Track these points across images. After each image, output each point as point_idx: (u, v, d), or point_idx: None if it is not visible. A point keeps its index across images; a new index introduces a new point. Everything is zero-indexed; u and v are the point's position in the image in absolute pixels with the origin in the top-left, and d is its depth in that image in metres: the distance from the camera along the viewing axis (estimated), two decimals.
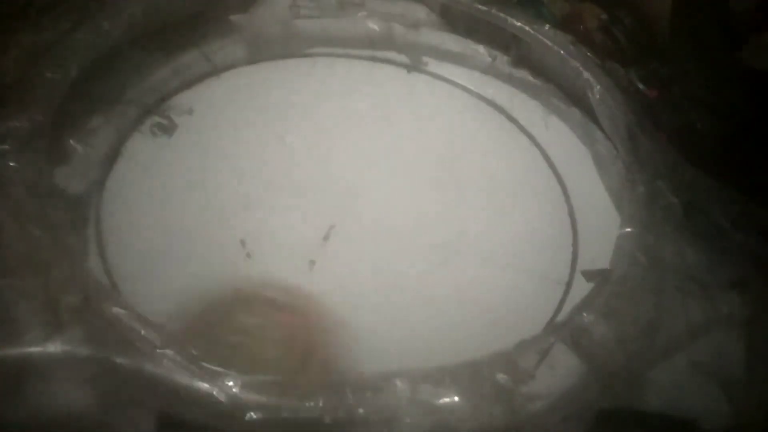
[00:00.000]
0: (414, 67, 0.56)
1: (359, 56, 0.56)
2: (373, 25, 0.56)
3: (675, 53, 0.51)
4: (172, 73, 0.49)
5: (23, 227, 0.34)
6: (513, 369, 0.32)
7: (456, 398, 0.31)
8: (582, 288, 0.42)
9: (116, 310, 0.32)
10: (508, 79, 0.56)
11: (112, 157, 0.44)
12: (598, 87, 0.49)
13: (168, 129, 0.47)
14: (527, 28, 0.53)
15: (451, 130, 0.53)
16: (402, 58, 0.56)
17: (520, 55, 0.55)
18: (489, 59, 0.56)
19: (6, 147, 0.37)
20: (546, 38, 0.52)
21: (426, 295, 0.42)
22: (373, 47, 0.56)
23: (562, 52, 0.51)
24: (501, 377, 0.32)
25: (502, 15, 0.54)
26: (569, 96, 0.53)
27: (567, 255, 0.45)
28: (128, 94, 0.47)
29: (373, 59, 0.56)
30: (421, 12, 0.58)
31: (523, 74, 0.55)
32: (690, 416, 0.34)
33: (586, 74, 0.50)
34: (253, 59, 0.53)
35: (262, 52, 0.53)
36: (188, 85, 0.50)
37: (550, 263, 0.44)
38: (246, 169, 0.46)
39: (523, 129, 0.53)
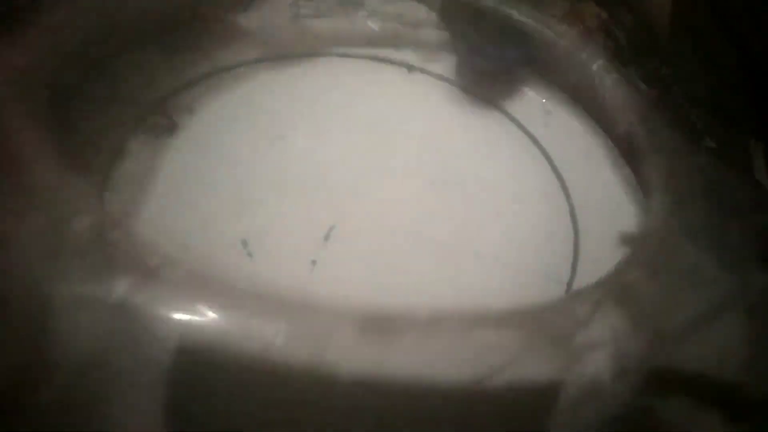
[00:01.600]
0: (414, 66, 0.56)
1: (359, 56, 0.56)
2: (373, 25, 0.56)
3: (675, 53, 0.51)
4: (173, 73, 0.50)
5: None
6: (568, 316, 0.32)
7: (513, 340, 0.30)
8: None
9: (131, 240, 0.30)
10: (509, 78, 0.56)
11: (113, 157, 0.44)
12: (608, 76, 0.49)
13: (169, 128, 0.47)
14: (534, 22, 0.53)
15: (452, 130, 0.53)
16: (402, 57, 0.56)
17: (525, 51, 0.55)
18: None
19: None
20: (554, 34, 0.52)
21: (426, 296, 0.42)
22: (373, 47, 0.56)
23: (570, 48, 0.51)
24: (559, 322, 0.31)
25: (508, 9, 0.53)
26: (572, 94, 0.53)
27: (568, 254, 0.45)
28: (129, 93, 0.47)
29: (374, 59, 0.56)
30: (421, 11, 0.58)
31: (524, 73, 0.55)
32: (737, 380, 0.33)
33: (594, 70, 0.50)
34: (253, 59, 0.53)
35: (262, 51, 0.53)
36: (189, 84, 0.50)
37: (551, 263, 0.45)
38: (247, 169, 0.46)
39: (522, 128, 0.53)
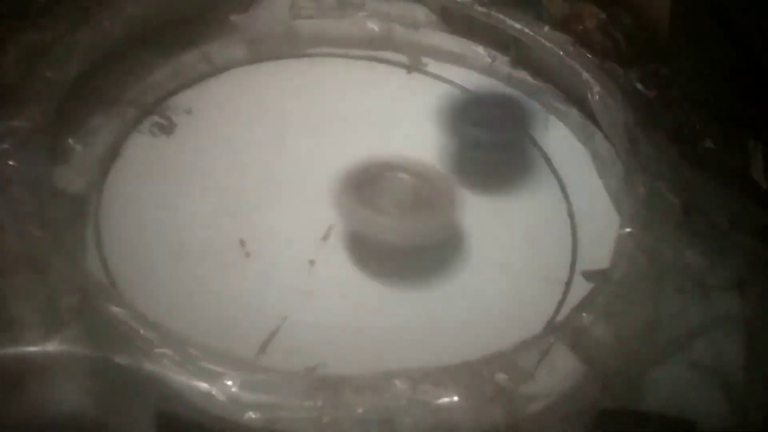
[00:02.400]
0: (413, 67, 0.56)
1: (359, 56, 0.56)
2: (373, 26, 0.56)
3: (675, 53, 0.51)
4: (172, 73, 0.50)
5: (22, 226, 0.34)
6: (512, 369, 0.32)
7: (455, 398, 0.31)
8: (582, 288, 0.42)
9: (115, 309, 0.32)
10: (508, 80, 0.56)
11: (111, 157, 0.44)
12: (598, 88, 0.49)
13: (167, 129, 0.47)
14: (526, 29, 0.53)
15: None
16: (401, 58, 0.56)
17: (520, 57, 0.55)
18: (488, 60, 0.56)
19: (5, 146, 0.37)
20: (545, 39, 0.52)
21: (425, 295, 0.42)
22: (373, 47, 0.56)
23: (561, 53, 0.51)
24: (500, 377, 0.32)
25: (501, 17, 0.54)
26: (569, 97, 0.53)
27: (566, 255, 0.45)
28: (127, 93, 0.47)
29: (373, 59, 0.56)
30: (420, 12, 0.58)
31: (523, 75, 0.55)
32: (689, 417, 0.34)
33: (585, 75, 0.49)
34: (252, 59, 0.53)
35: (261, 52, 0.53)
36: (187, 84, 0.50)
37: (550, 263, 0.44)
38: (245, 169, 0.46)
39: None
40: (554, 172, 0.50)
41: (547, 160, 0.51)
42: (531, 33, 0.53)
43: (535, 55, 0.54)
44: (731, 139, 0.47)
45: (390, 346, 0.39)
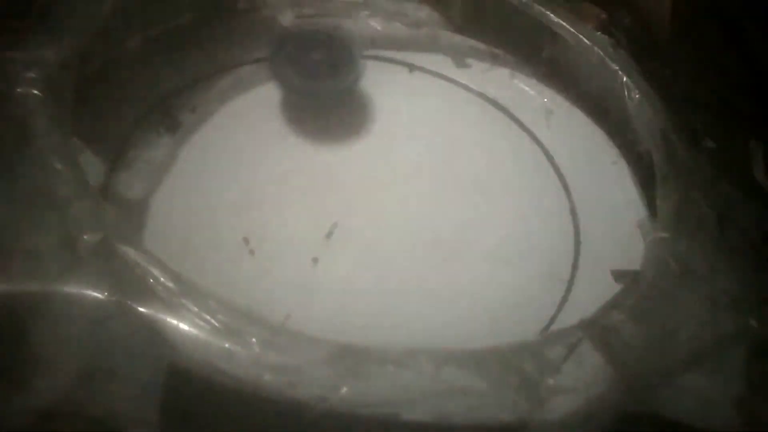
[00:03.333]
0: (415, 65, 0.56)
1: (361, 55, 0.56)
2: (375, 25, 0.56)
3: (675, 53, 0.52)
4: (176, 72, 0.50)
5: (45, 160, 0.33)
6: (540, 359, 0.31)
7: (480, 383, 0.30)
8: (583, 287, 0.43)
9: (136, 253, 0.31)
10: (510, 78, 0.56)
11: (115, 156, 0.44)
12: (637, 91, 0.48)
13: (171, 127, 0.47)
14: (567, 25, 0.52)
15: (453, 129, 0.53)
16: (403, 57, 0.56)
17: (552, 55, 0.55)
18: (491, 58, 0.56)
19: (32, 75, 0.36)
20: (586, 38, 0.52)
21: (427, 293, 0.42)
22: (375, 46, 0.56)
23: (601, 53, 0.51)
24: (527, 366, 0.31)
25: (543, 10, 0.53)
26: (593, 103, 0.53)
27: (568, 254, 0.45)
28: (132, 92, 0.47)
29: (375, 58, 0.56)
30: (422, 11, 0.58)
31: (525, 73, 0.56)
32: (711, 429, 0.33)
33: (625, 78, 0.49)
34: (255, 58, 0.53)
35: (264, 51, 0.54)
36: (192, 83, 0.50)
37: (552, 262, 0.45)
38: (249, 167, 0.46)
39: (524, 128, 0.53)
40: (556, 170, 0.50)
41: (550, 159, 0.51)
42: (572, 30, 0.53)
43: (571, 54, 0.54)
44: (732, 139, 0.47)
45: (392, 343, 0.39)
